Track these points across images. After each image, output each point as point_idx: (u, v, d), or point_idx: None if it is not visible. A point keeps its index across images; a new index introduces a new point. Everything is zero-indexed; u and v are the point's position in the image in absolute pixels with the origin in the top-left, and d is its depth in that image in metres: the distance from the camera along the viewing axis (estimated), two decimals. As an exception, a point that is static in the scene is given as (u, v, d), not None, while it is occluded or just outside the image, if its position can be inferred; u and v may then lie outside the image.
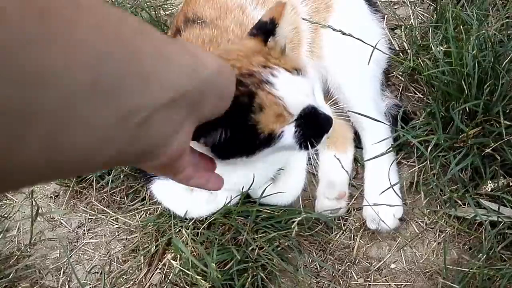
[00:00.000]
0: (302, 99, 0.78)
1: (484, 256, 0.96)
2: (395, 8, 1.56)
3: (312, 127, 0.79)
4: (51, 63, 0.30)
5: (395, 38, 1.44)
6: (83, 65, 0.32)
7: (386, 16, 1.44)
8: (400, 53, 1.39)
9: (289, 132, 0.78)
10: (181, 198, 1.13)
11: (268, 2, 1.23)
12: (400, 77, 1.34)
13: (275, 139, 0.77)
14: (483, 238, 0.99)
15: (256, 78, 0.71)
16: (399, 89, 1.33)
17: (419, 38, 1.36)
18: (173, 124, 0.43)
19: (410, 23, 1.46)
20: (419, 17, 1.49)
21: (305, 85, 0.79)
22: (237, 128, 0.71)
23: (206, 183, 0.60)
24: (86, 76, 0.32)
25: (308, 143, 0.79)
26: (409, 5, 1.52)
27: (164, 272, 1.11)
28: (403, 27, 1.42)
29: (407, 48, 1.36)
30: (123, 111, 0.36)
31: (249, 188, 1.07)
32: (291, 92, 0.75)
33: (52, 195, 1.32)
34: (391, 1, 1.58)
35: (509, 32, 1.24)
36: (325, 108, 0.81)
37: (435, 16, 1.36)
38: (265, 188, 1.07)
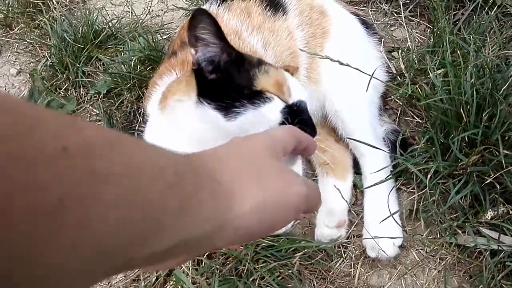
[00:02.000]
0: (302, 93, 0.93)
1: (485, 286, 0.96)
2: (391, 30, 1.58)
3: (299, 121, 0.87)
4: None
5: (392, 61, 1.45)
6: None
7: (383, 38, 1.46)
8: (398, 77, 1.40)
9: (277, 104, 0.87)
10: None
11: (264, 29, 1.25)
12: (398, 101, 1.36)
13: (262, 99, 0.86)
14: (484, 267, 1.00)
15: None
16: (397, 113, 1.35)
17: (416, 61, 1.38)
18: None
19: (407, 45, 1.48)
20: (416, 39, 1.51)
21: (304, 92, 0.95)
22: (237, 67, 0.89)
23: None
24: None
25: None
26: (406, 27, 1.54)
27: (165, 304, 1.11)
28: (400, 50, 1.44)
29: (404, 72, 1.37)
30: None
31: None
32: (296, 84, 0.93)
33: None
34: (387, 23, 1.60)
35: (507, 54, 1.26)
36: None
37: (432, 40, 1.38)
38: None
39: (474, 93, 1.05)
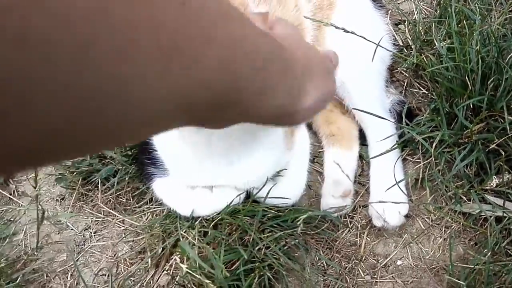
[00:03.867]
0: None
1: (490, 252, 0.99)
2: (398, 3, 1.58)
3: None
4: None
5: (399, 34, 1.46)
6: None
7: (389, 11, 1.47)
8: (404, 49, 1.41)
9: None
10: (183, 196, 1.16)
11: (270, 1, 1.26)
12: (404, 73, 1.37)
13: None
14: (489, 233, 1.02)
15: None
16: (404, 85, 1.36)
17: (422, 33, 1.38)
18: None
19: (413, 18, 1.49)
20: (423, 12, 1.52)
21: None
22: None
23: None
24: None
25: None
26: (413, 0, 1.54)
27: (172, 274, 1.14)
28: (406, 22, 1.45)
29: (410, 43, 1.38)
30: None
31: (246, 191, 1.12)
32: None
33: (58, 198, 1.35)
34: (394, -3, 1.60)
35: (513, 25, 1.27)
36: None
37: (438, 11, 1.38)
38: (269, 190, 1.10)
39: (480, 60, 1.06)
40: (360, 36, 1.08)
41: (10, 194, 1.39)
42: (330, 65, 0.65)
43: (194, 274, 1.04)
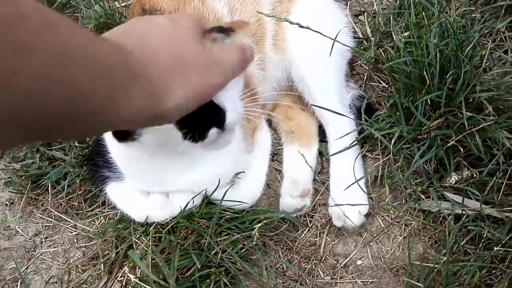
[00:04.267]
0: None
1: (449, 251, 0.94)
2: (358, -7, 1.52)
3: (200, 116, 0.67)
4: None
5: (359, 25, 1.40)
6: None
7: (349, 2, 1.40)
8: (364, 41, 1.35)
9: None
10: (137, 202, 1.09)
11: (230, -8, 1.18)
12: (364, 65, 1.31)
13: None
14: (447, 232, 0.97)
15: None
16: (364, 79, 1.30)
17: (382, 25, 1.32)
18: None
19: (373, 9, 1.42)
20: (383, 2, 1.45)
21: None
22: None
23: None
24: None
25: (192, 134, 0.75)
26: (373, -10, 1.48)
27: (125, 281, 1.07)
28: (366, 13, 1.38)
29: (370, 36, 1.32)
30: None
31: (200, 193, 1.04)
32: None
33: (7, 202, 1.26)
34: (354, -14, 1.53)
35: (473, 15, 1.22)
36: (230, 103, 0.75)
37: (398, 2, 1.32)
38: (225, 191, 1.03)
39: (438, 54, 1.00)
40: (316, 31, 1.01)
41: (-44, 199, 1.29)
42: (221, 58, 0.61)
43: (145, 285, 0.96)
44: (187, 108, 0.56)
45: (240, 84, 0.81)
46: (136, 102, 0.47)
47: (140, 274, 1.02)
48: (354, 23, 1.39)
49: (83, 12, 1.49)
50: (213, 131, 0.76)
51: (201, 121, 0.74)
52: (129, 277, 1.05)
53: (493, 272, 0.90)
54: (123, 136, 0.81)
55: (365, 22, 1.37)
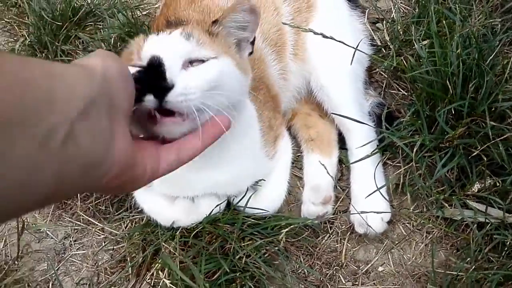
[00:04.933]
0: (159, 50, 0.71)
1: (472, 259, 0.91)
2: (376, 1, 1.48)
3: (143, 79, 0.65)
4: None
5: (377, 33, 1.37)
6: None
7: (367, 10, 1.37)
8: (383, 48, 1.32)
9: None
10: (163, 207, 1.07)
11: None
12: (383, 73, 1.28)
13: None
14: (471, 239, 0.94)
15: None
16: (383, 86, 1.27)
17: (401, 32, 1.29)
18: (101, 131, 0.45)
19: (391, 16, 1.39)
20: (401, 10, 1.42)
21: (181, 47, 0.75)
22: None
23: (181, 151, 0.61)
24: None
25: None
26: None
27: (153, 283, 1.05)
28: (384, 21, 1.35)
29: (389, 44, 1.29)
30: (42, 135, 0.37)
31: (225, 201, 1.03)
32: (159, 41, 0.77)
33: (37, 206, 1.25)
34: (372, -6, 1.50)
35: (493, 23, 1.18)
36: (180, 80, 0.68)
37: (417, 10, 1.29)
38: (249, 199, 1.01)
39: (460, 63, 0.97)
40: (339, 41, 0.98)
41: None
42: None
43: (175, 287, 0.95)
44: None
45: (209, 79, 0.73)
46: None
47: (168, 277, 1.00)
48: (372, 30, 1.36)
49: (107, 21, 1.49)
50: (150, 100, 0.65)
51: (144, 86, 0.66)
52: (157, 279, 1.03)
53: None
54: None
55: (383, 30, 1.33)
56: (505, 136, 0.92)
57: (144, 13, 1.60)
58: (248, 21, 0.85)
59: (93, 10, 1.58)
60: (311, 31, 0.99)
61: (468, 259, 0.93)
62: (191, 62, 0.73)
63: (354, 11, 1.33)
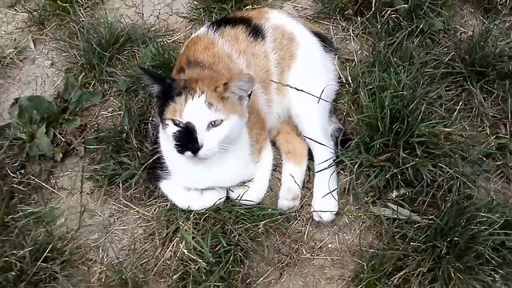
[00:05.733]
0: (192, 118, 1.25)
1: (386, 242, 1.35)
2: (346, 43, 1.88)
3: (184, 138, 1.25)
4: None
5: (344, 72, 1.76)
6: None
7: (337, 55, 1.76)
8: (346, 85, 1.72)
9: (171, 129, 1.28)
10: (181, 195, 1.52)
11: (247, 54, 1.56)
12: (344, 105, 1.68)
13: (165, 124, 1.29)
14: (387, 229, 1.38)
15: (190, 89, 1.27)
16: (343, 114, 1.68)
17: (361, 74, 1.69)
18: None
19: (356, 58, 1.78)
20: (364, 53, 1.82)
21: (205, 115, 1.26)
22: (165, 94, 1.29)
23: None
24: None
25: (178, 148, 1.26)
26: (358, 43, 1.84)
27: (174, 251, 1.50)
28: (348, 63, 1.75)
29: (350, 82, 1.70)
30: None
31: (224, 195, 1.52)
32: (193, 109, 1.25)
33: (88, 191, 1.68)
34: (344, 37, 1.90)
35: (424, 74, 1.59)
36: (206, 140, 1.25)
37: (371, 59, 1.69)
38: (241, 194, 1.46)
39: (388, 112, 1.38)
40: (307, 93, 1.40)
41: (52, 187, 1.71)
42: None
43: (189, 254, 1.39)
44: None
45: (225, 137, 1.28)
46: None
47: (185, 247, 1.44)
48: (341, 69, 1.75)
49: (141, 50, 1.88)
50: (189, 154, 1.27)
51: (184, 144, 1.25)
52: (177, 248, 1.48)
53: (409, 258, 1.31)
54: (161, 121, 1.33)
55: (347, 71, 1.73)
56: (412, 164, 1.34)
57: (170, 40, 1.98)
58: (246, 85, 1.28)
59: (130, 36, 1.96)
60: (288, 86, 1.40)
61: (385, 241, 1.37)
62: (211, 123, 1.19)
63: (328, 53, 1.72)
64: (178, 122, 1.25)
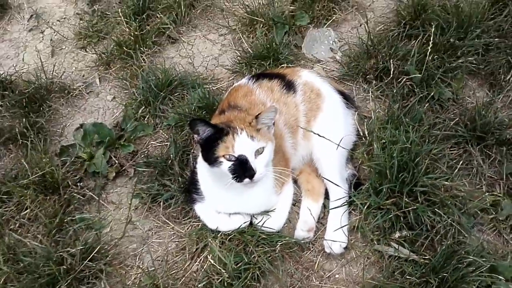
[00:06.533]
0: (243, 151, 1.49)
1: (387, 276, 1.49)
2: (366, 102, 2.10)
3: (239, 169, 1.48)
4: None
5: (363, 126, 1.96)
6: None
7: (357, 111, 1.97)
8: (363, 138, 1.92)
9: (226, 164, 1.50)
10: (212, 217, 1.72)
11: (280, 103, 1.79)
12: (359, 154, 1.87)
13: (218, 162, 1.50)
14: (389, 265, 1.53)
15: (234, 128, 1.52)
16: (358, 162, 1.88)
17: (376, 129, 1.88)
18: None
19: (373, 116, 1.99)
20: (381, 112, 2.02)
21: (251, 146, 1.51)
22: (212, 138, 1.51)
23: None
24: None
25: (235, 178, 1.50)
26: (376, 103, 2.05)
27: (200, 265, 1.67)
28: (366, 120, 1.96)
29: (366, 135, 1.90)
30: None
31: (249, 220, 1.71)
32: (242, 143, 1.49)
33: (134, 207, 1.90)
34: (364, 97, 2.12)
35: (433, 132, 1.78)
36: (257, 166, 1.49)
37: (387, 117, 1.89)
38: (264, 222, 1.64)
39: (396, 163, 1.57)
40: (329, 140, 1.61)
41: (103, 201, 1.94)
42: None
43: (215, 265, 1.57)
44: None
45: (268, 161, 1.53)
46: None
47: (211, 258, 1.62)
48: (360, 124, 1.96)
49: (191, 93, 2.15)
50: (247, 180, 1.49)
51: (241, 174, 1.48)
52: (204, 262, 1.66)
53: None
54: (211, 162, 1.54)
55: (364, 126, 1.94)
56: (414, 208, 1.51)
57: (215, 87, 2.25)
58: (272, 115, 1.53)
59: (182, 81, 2.24)
60: (311, 132, 1.62)
61: (386, 276, 1.51)
62: (256, 151, 1.46)
63: (349, 109, 1.94)
64: (230, 157, 1.50)
